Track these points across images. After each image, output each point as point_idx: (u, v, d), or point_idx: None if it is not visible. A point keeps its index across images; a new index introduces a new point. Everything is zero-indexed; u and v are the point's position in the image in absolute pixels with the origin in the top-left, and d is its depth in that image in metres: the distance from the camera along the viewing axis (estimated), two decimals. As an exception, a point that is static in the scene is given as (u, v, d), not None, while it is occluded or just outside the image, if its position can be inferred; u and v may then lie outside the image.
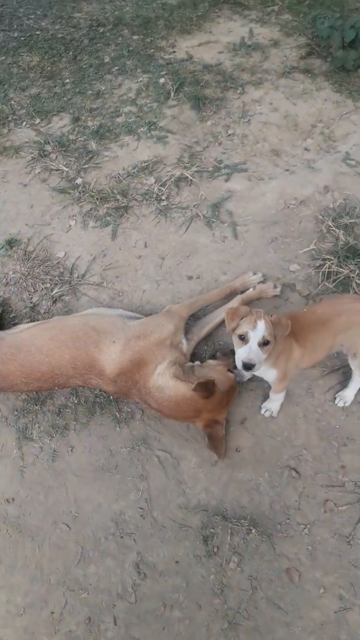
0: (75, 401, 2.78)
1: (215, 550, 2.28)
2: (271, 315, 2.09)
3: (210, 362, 2.71)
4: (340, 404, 2.58)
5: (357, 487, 2.36)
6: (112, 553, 2.34)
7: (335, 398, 2.60)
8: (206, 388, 2.35)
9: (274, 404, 2.57)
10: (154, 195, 3.63)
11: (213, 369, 2.61)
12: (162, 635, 2.14)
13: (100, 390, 2.76)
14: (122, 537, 2.38)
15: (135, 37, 5.10)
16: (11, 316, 3.16)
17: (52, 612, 2.25)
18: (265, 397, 2.62)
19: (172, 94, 4.33)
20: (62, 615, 2.24)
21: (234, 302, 2.92)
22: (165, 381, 2.51)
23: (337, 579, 2.16)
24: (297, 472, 2.43)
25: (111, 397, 2.74)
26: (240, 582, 2.20)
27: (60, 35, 5.29)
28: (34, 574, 2.34)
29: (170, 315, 2.77)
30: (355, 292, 2.91)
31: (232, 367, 2.56)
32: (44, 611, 2.26)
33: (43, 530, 2.44)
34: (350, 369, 2.50)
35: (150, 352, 2.58)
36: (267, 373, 2.31)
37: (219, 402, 2.44)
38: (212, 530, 2.33)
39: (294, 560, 2.22)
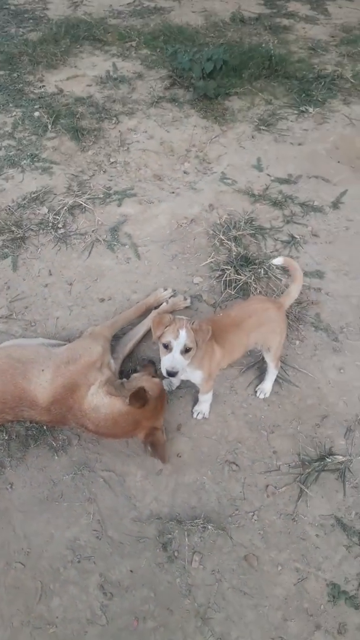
0: (6, 437, 2.66)
1: (175, 554, 2.32)
2: (193, 323, 2.24)
3: (135, 375, 2.75)
4: (261, 396, 2.77)
5: (291, 468, 2.54)
6: (74, 580, 2.27)
7: (256, 392, 2.78)
8: (139, 397, 2.38)
9: (203, 405, 2.68)
10: (50, 224, 3.61)
11: (140, 380, 2.65)
12: (140, 649, 2.12)
13: (31, 422, 2.66)
14: (80, 562, 2.32)
15: (0, 72, 5.01)
16: None
17: (22, 656, 2.12)
18: (195, 401, 2.72)
19: (49, 126, 4.34)
20: (33, 657, 2.12)
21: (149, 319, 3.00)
22: (100, 400, 2.50)
23: (290, 554, 2.31)
24: (236, 465, 2.56)
25: (44, 427, 2.66)
26: (205, 578, 2.26)
27: None
28: (-7, 623, 2.19)
29: (95, 337, 2.77)
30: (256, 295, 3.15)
31: (155, 374, 2.66)
32: (12, 657, 2.12)
33: (-5, 575, 2.29)
34: (264, 364, 2.72)
35: (82, 375, 2.55)
36: (194, 375, 2.46)
37: (153, 408, 2.48)
38: (169, 535, 2.36)
39: (250, 546, 2.33)
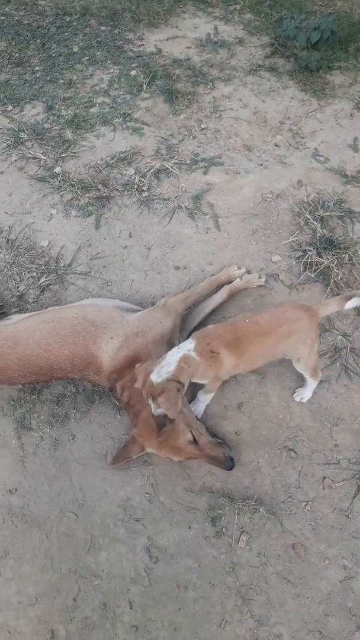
0: (74, 390, 2.65)
1: (223, 530, 2.25)
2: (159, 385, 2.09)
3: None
4: (297, 399, 2.57)
5: (351, 463, 2.38)
6: (122, 539, 2.26)
7: (294, 392, 2.60)
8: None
9: (198, 405, 2.52)
10: (135, 186, 3.49)
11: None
12: (179, 616, 2.09)
13: (94, 385, 2.63)
14: (130, 522, 2.29)
15: (102, 28, 4.86)
16: (-2, 305, 2.95)
17: (66, 600, 2.14)
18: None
19: (144, 86, 4.16)
20: (76, 603, 2.13)
21: (223, 294, 2.86)
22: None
23: (339, 551, 2.18)
24: (294, 452, 2.43)
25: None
26: (250, 560, 2.18)
27: (26, 22, 4.96)
28: (43, 564, 2.22)
29: (168, 311, 2.66)
30: (335, 282, 2.93)
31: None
32: (57, 600, 2.14)
33: (50, 519, 2.32)
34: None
35: (146, 350, 2.47)
36: (202, 381, 2.30)
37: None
38: (219, 511, 2.29)
39: (299, 535, 2.22)
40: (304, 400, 2.56)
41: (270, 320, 2.22)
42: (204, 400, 2.48)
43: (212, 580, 2.15)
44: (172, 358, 2.13)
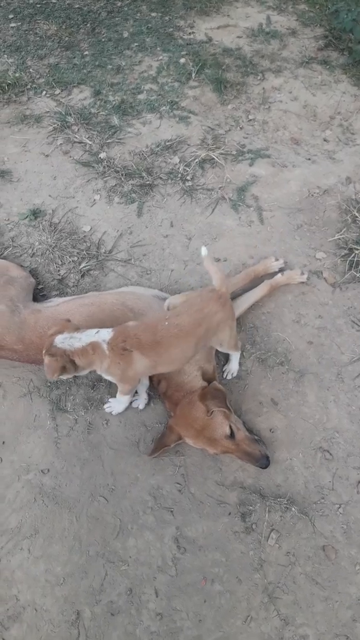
0: (109, 376, 2.64)
1: (253, 527, 2.22)
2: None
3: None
4: (229, 377, 2.58)
5: (388, 470, 2.32)
6: (151, 526, 2.25)
7: (223, 372, 2.60)
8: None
9: (116, 405, 2.50)
10: (179, 175, 3.46)
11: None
12: (204, 608, 2.07)
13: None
14: (159, 510, 2.28)
15: (153, 14, 4.81)
16: (39, 287, 2.96)
17: (93, 583, 2.15)
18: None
19: (193, 75, 4.11)
20: (102, 586, 2.14)
21: (264, 288, 2.81)
22: (188, 369, 2.41)
23: (371, 557, 2.13)
24: (330, 453, 2.38)
25: (145, 374, 2.61)
26: (279, 558, 2.15)
27: (77, 6, 4.94)
28: (72, 545, 2.23)
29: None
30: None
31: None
32: (84, 581, 2.16)
33: (80, 502, 2.32)
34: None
35: None
36: (108, 377, 2.25)
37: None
38: (249, 507, 2.26)
39: (330, 538, 2.18)
40: (233, 375, 2.57)
41: (189, 321, 2.13)
42: (120, 401, 2.46)
43: (239, 575, 2.13)
44: (85, 338, 2.11)
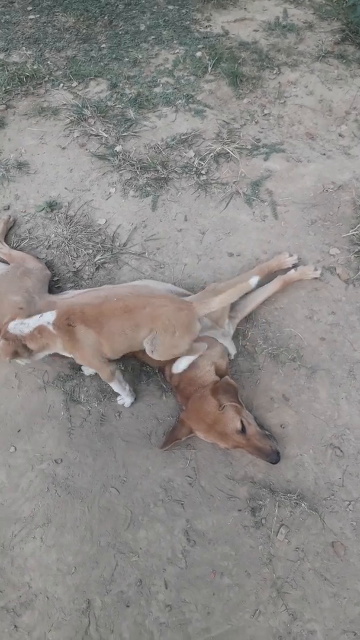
0: (122, 368, 2.64)
1: (262, 521, 2.21)
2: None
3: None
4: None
5: None
6: (162, 519, 2.25)
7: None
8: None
9: (123, 396, 2.51)
10: (194, 169, 3.42)
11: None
12: (213, 600, 2.07)
13: (143, 364, 2.62)
14: (170, 503, 2.28)
15: (170, 7, 4.75)
16: (54, 279, 2.96)
17: (103, 573, 2.15)
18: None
19: (209, 68, 4.06)
20: (113, 577, 2.15)
21: (276, 283, 2.79)
22: (201, 363, 2.39)
23: (381, 554, 2.12)
24: (340, 450, 2.36)
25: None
26: (288, 553, 2.14)
27: (94, -2, 4.90)
28: (84, 535, 2.24)
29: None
30: (394, 280, 2.81)
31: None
32: (95, 571, 2.16)
33: (92, 492, 2.33)
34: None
35: None
36: (67, 355, 2.31)
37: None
38: (259, 502, 2.25)
39: (340, 534, 2.16)
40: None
41: (136, 302, 2.21)
42: (116, 388, 2.44)
43: (248, 569, 2.12)
44: (32, 323, 2.21)
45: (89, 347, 2.23)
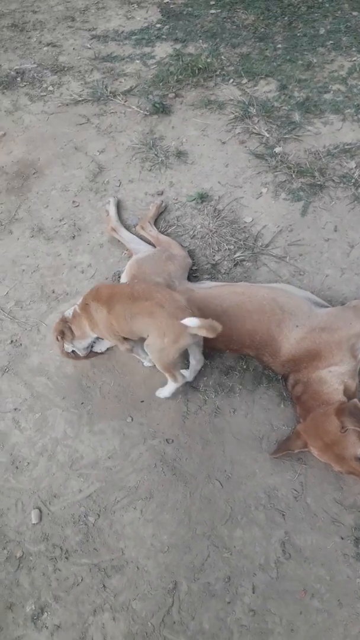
0: (244, 366, 2.67)
1: (365, 555, 2.12)
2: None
3: None
4: (160, 395, 2.59)
5: None
6: (260, 524, 2.25)
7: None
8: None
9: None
10: (353, 180, 3.33)
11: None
12: (298, 619, 2.04)
13: (265, 367, 2.62)
14: (271, 510, 2.27)
15: (355, 13, 4.64)
16: (193, 268, 3.05)
17: (194, 560, 2.20)
18: None
19: (386, 79, 3.91)
20: (203, 566, 2.19)
21: None
22: (330, 380, 2.32)
23: None
24: None
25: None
26: (387, 596, 2.04)
27: (278, -2, 4.93)
28: (181, 518, 2.31)
29: (359, 314, 2.52)
30: None
31: None
32: (186, 556, 2.22)
33: (196, 479, 2.39)
34: None
35: (329, 348, 2.38)
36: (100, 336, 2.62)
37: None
38: (366, 534, 2.16)
39: None
40: (160, 396, 2.57)
41: (144, 290, 2.34)
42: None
43: (341, 599, 2.06)
44: (73, 308, 2.59)
45: (101, 322, 2.44)
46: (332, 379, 2.32)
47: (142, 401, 2.61)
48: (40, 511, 2.38)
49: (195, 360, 2.55)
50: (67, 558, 2.26)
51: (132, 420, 2.58)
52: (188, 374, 2.55)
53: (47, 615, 2.16)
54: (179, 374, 2.45)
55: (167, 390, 2.53)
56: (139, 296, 2.32)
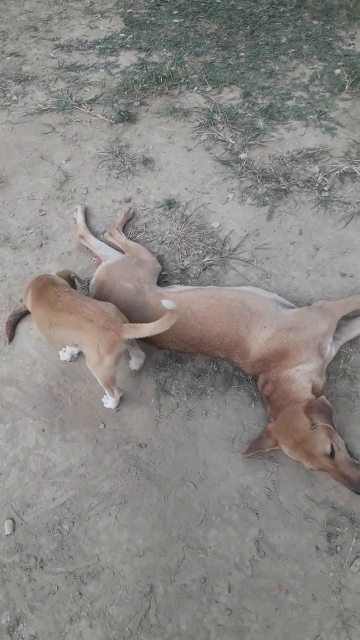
0: (215, 369, 2.73)
1: (337, 549, 2.19)
2: None
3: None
4: (103, 400, 2.66)
5: None
6: (234, 523, 2.30)
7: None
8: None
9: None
10: (316, 185, 3.45)
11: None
12: (274, 615, 2.09)
13: (236, 368, 2.68)
14: (245, 510, 2.33)
15: (315, 22, 4.82)
16: (162, 273, 3.11)
17: (170, 563, 2.24)
18: None
19: (346, 87, 4.07)
20: (178, 568, 2.23)
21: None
22: (298, 378, 2.40)
23: None
24: None
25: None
26: (359, 587, 2.11)
27: (240, 8, 5.08)
28: (156, 522, 2.34)
29: (325, 314, 2.61)
30: None
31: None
32: (162, 559, 2.25)
33: (170, 482, 2.43)
34: None
35: (296, 347, 2.46)
36: None
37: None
38: (337, 529, 2.23)
39: None
40: (106, 406, 2.63)
41: (67, 304, 2.38)
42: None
43: (315, 593, 2.12)
44: None
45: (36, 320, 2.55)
46: (300, 377, 2.40)
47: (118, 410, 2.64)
48: (14, 521, 2.38)
49: (136, 356, 2.66)
50: (42, 567, 2.27)
51: (104, 426, 2.60)
52: (133, 364, 2.69)
53: (23, 626, 2.15)
54: (117, 388, 2.53)
55: (111, 402, 2.61)
56: (62, 308, 2.39)
